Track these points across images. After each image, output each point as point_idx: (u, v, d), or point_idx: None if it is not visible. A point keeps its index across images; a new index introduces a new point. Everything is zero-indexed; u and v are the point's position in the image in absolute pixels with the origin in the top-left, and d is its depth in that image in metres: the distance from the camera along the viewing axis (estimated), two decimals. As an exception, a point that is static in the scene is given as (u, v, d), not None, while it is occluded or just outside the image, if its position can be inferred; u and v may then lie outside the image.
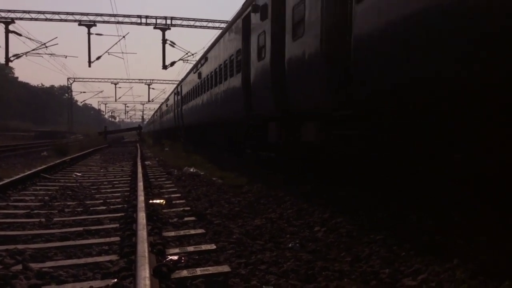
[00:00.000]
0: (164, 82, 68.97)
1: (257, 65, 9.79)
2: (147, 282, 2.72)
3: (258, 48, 9.75)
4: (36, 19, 31.50)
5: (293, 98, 7.80)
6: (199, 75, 19.03)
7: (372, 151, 6.04)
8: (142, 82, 62.88)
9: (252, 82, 10.21)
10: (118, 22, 32.09)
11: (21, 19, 31.23)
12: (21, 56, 33.68)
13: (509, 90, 3.71)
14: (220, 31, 15.15)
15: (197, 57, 23.17)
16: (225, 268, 3.36)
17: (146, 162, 14.04)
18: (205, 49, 18.68)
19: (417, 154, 5.30)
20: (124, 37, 47.15)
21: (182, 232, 4.56)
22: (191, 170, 10.76)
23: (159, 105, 57.38)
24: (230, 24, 13.20)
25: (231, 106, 12.53)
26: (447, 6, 4.02)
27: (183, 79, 27.12)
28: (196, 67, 20.56)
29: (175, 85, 35.51)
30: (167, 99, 39.93)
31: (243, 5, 11.48)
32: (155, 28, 31.63)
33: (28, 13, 31.19)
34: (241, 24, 11.35)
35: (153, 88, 68.89)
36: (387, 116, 5.68)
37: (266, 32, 9.14)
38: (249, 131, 11.58)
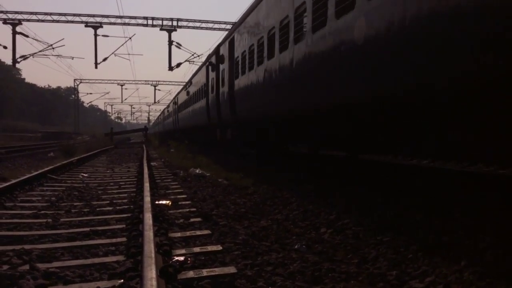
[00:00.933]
0: (170, 83, 69.21)
1: (211, 95, 17.68)
2: (154, 282, 2.72)
3: (211, 86, 17.70)
4: (43, 21, 31.70)
5: (224, 115, 14.96)
6: (188, 93, 27.37)
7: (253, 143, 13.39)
8: (148, 84, 63.15)
9: (209, 104, 18.14)
10: (124, 24, 32.25)
11: (28, 20, 31.43)
12: (28, 57, 33.89)
13: None
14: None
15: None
16: (231, 269, 3.35)
17: (152, 163, 14.07)
18: (194, 70, 27.16)
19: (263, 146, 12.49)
20: (130, 38, 47.17)
21: (188, 233, 4.56)
22: (197, 171, 10.77)
23: (164, 107, 57.75)
24: (202, 65, 22.02)
25: (203, 118, 20.10)
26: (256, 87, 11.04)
27: (178, 93, 35.63)
28: (185, 87, 29.49)
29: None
30: (168, 106, 48.95)
31: (207, 57, 20.53)
32: (161, 29, 31.74)
33: (35, 14, 31.40)
34: (205, 68, 19.56)
35: (159, 90, 69.48)
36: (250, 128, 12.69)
37: (214, 78, 16.84)
38: (209, 132, 19.52)
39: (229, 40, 14.36)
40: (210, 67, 17.93)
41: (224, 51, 15.45)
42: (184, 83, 33.32)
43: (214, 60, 17.08)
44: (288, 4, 8.09)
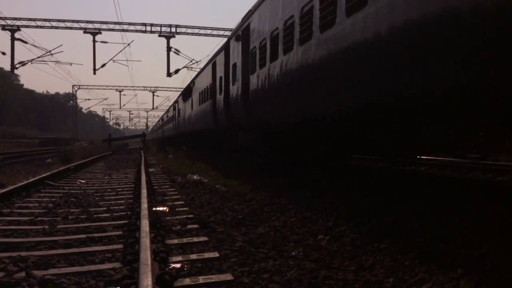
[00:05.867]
0: (168, 89, 69.10)
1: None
2: (150, 290, 2.71)
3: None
4: (41, 27, 31.68)
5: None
6: (174, 111, 31.31)
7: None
8: (146, 90, 63.15)
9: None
10: (123, 30, 32.28)
11: (26, 26, 31.42)
12: (27, 63, 33.96)
13: None
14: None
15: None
16: (228, 277, 3.35)
17: (150, 169, 14.05)
18: (183, 88, 30.38)
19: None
20: (129, 44, 47.27)
21: (185, 240, 4.55)
22: (195, 177, 10.76)
23: (163, 112, 57.84)
24: (187, 87, 25.71)
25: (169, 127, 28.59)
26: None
27: (166, 112, 42.17)
28: (173, 105, 33.61)
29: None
30: (161, 118, 54.61)
31: (189, 83, 24.69)
32: (160, 36, 31.81)
33: (33, 20, 31.42)
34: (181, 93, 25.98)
35: (157, 96, 69.16)
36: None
37: (192, 99, 22.16)
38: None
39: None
40: (187, 91, 24.89)
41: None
42: (164, 112, 36.16)
43: None
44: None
